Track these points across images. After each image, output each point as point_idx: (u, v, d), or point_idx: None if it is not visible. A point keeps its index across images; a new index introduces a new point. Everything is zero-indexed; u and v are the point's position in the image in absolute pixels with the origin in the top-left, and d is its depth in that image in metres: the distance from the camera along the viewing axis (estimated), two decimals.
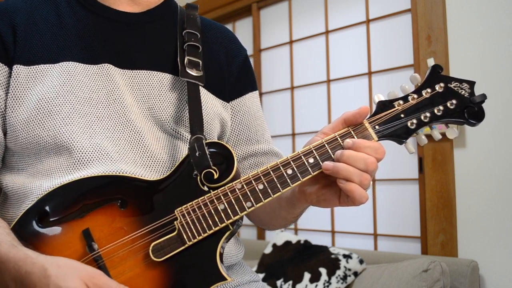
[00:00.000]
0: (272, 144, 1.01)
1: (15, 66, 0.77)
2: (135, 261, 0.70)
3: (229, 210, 0.71)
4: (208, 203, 0.71)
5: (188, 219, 0.70)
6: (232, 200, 0.71)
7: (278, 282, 2.00)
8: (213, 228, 0.70)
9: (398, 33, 2.16)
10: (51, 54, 0.79)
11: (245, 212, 0.71)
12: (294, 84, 2.60)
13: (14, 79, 0.77)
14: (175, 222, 0.71)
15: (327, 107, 2.43)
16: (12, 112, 0.77)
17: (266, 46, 2.73)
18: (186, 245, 0.70)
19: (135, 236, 0.70)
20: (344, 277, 1.87)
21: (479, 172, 1.86)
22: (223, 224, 0.70)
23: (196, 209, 0.71)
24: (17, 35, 0.78)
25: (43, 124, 0.76)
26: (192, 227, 0.70)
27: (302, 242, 2.17)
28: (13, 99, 0.77)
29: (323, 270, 1.91)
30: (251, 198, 0.71)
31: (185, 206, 0.71)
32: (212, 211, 0.71)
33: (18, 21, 0.79)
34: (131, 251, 0.70)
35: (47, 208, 0.71)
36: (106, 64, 0.82)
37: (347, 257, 1.93)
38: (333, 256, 1.95)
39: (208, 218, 0.70)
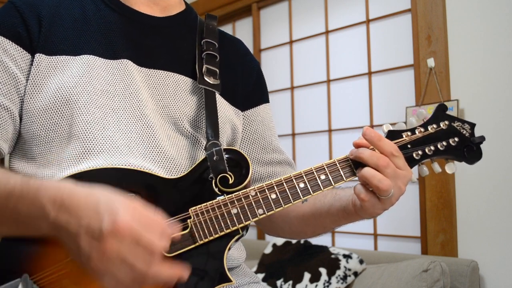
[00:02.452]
0: (285, 154, 1.04)
1: (37, 54, 0.80)
2: None
3: (241, 215, 0.73)
4: (222, 206, 0.73)
5: (202, 219, 0.73)
6: (245, 205, 0.74)
7: (278, 282, 2.00)
8: (225, 230, 0.73)
9: (398, 33, 2.16)
10: (73, 46, 0.82)
11: (256, 219, 0.74)
12: (294, 84, 2.60)
13: (36, 67, 0.80)
14: (188, 220, 0.72)
15: (327, 107, 2.43)
16: (30, 98, 0.79)
17: (266, 46, 2.73)
18: (197, 244, 0.72)
19: None
20: (344, 277, 1.87)
21: (479, 172, 1.86)
22: (234, 228, 0.73)
23: (210, 210, 0.73)
24: (42, 26, 0.82)
25: (61, 112, 0.78)
26: (204, 227, 0.72)
27: (302, 242, 2.17)
28: (33, 86, 0.79)
29: (323, 270, 1.92)
30: (263, 206, 0.74)
31: (199, 206, 0.73)
32: (225, 213, 0.73)
33: (44, 14, 0.83)
34: None
35: None
36: (125, 60, 0.84)
37: (347, 257, 1.93)
38: (333, 256, 1.95)
39: (221, 220, 0.73)
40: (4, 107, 0.78)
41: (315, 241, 2.19)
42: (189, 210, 0.73)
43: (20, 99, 0.80)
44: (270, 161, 1.00)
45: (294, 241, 2.19)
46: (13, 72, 0.79)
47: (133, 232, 0.57)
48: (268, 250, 2.25)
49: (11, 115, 0.79)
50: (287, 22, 2.66)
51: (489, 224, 1.82)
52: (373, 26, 2.26)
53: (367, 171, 0.72)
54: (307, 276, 1.94)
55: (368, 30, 2.27)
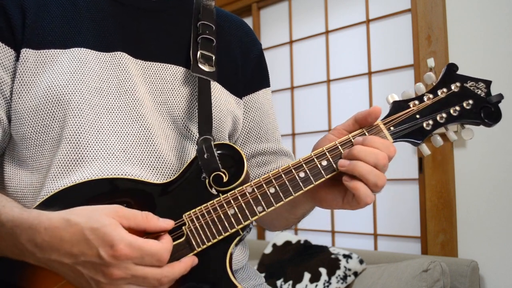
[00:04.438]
0: (281, 143, 0.98)
1: (23, 50, 0.73)
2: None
3: (239, 215, 0.68)
4: (218, 208, 0.68)
5: (197, 224, 0.68)
6: (243, 204, 0.68)
7: (278, 282, 2.00)
8: (223, 233, 0.68)
9: (398, 33, 2.16)
10: (62, 38, 0.75)
11: (256, 217, 0.68)
12: (294, 84, 2.60)
13: (22, 63, 0.73)
14: (183, 227, 0.68)
15: (327, 107, 2.43)
16: (19, 98, 0.72)
17: (266, 46, 2.73)
18: (195, 251, 0.67)
19: None
20: (344, 277, 1.87)
21: (479, 172, 1.86)
22: (233, 230, 0.68)
23: (205, 214, 0.68)
24: (27, 17, 0.74)
25: (52, 113, 0.72)
26: (201, 232, 0.67)
27: (302, 242, 2.17)
28: (21, 85, 0.73)
29: (323, 270, 1.92)
30: (262, 203, 0.68)
31: (193, 210, 0.68)
32: (222, 216, 0.68)
33: (28, 2, 0.75)
34: None
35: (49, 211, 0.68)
36: (119, 52, 0.78)
37: (347, 257, 1.93)
38: (333, 256, 1.95)
39: (218, 224, 0.67)
40: None
41: (315, 241, 2.20)
42: (183, 216, 0.68)
43: (6, 101, 0.74)
44: (264, 151, 0.93)
45: (294, 241, 2.19)
46: None
47: (134, 252, 0.57)
48: (268, 250, 2.25)
49: None
50: (287, 22, 2.66)
51: (489, 224, 1.82)
52: (373, 26, 2.26)
53: (356, 183, 0.66)
54: (307, 276, 1.94)
55: (368, 30, 2.27)
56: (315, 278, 1.91)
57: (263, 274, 2.11)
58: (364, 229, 2.25)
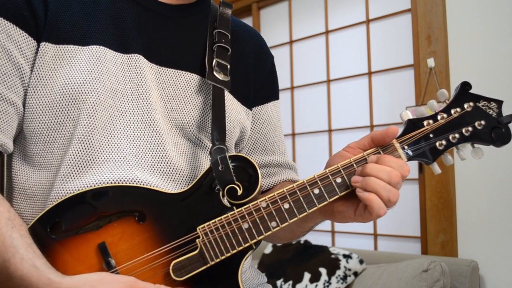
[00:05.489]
0: (287, 156, 0.99)
1: (42, 43, 0.72)
2: (155, 280, 0.67)
3: (253, 230, 0.68)
4: (232, 222, 0.68)
5: (211, 237, 0.68)
6: (257, 219, 0.68)
7: (278, 282, 2.00)
8: (237, 248, 0.68)
9: (398, 33, 2.16)
10: (81, 35, 0.74)
11: (270, 232, 0.69)
12: (294, 84, 2.60)
13: (41, 57, 0.72)
14: (197, 240, 0.68)
15: (327, 107, 2.43)
16: (34, 92, 0.71)
17: None
18: (208, 265, 0.67)
19: (155, 254, 0.67)
20: (344, 277, 1.87)
21: (479, 172, 1.86)
22: (247, 244, 0.68)
23: (220, 228, 0.68)
24: (49, 10, 0.73)
25: (66, 111, 0.71)
26: (215, 246, 0.67)
27: (302, 242, 2.17)
28: (37, 79, 0.72)
29: (323, 270, 1.92)
30: (277, 218, 0.69)
31: (208, 224, 0.68)
32: (236, 230, 0.68)
33: None
34: (151, 269, 0.67)
35: (60, 217, 0.67)
36: (136, 55, 0.77)
37: (347, 257, 1.93)
38: (333, 256, 1.95)
39: (232, 238, 0.68)
40: (10, 102, 0.70)
41: (315, 241, 2.20)
42: (197, 229, 0.68)
43: (24, 92, 0.72)
44: (269, 163, 0.94)
45: (294, 241, 2.19)
46: (18, 62, 0.71)
47: None
48: (268, 250, 2.25)
49: (17, 110, 0.71)
50: (287, 22, 2.66)
51: (489, 224, 1.82)
52: (373, 26, 2.27)
53: (370, 194, 0.67)
54: (307, 276, 1.94)
55: (368, 30, 2.27)
56: (315, 278, 1.91)
57: (263, 274, 2.11)
58: (364, 229, 2.25)
